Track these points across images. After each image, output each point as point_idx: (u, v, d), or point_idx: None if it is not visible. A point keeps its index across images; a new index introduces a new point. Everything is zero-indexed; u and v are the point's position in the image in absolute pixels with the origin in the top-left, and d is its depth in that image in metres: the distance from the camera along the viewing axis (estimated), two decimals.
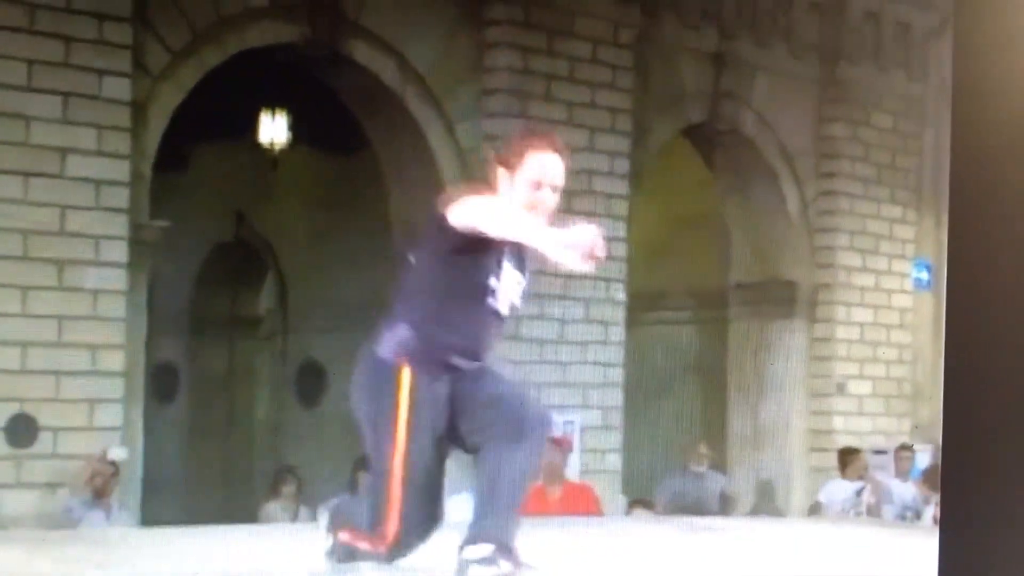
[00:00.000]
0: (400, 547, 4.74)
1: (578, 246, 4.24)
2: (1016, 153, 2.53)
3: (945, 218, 16.02)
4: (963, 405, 2.64)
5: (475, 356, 4.72)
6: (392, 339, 4.68)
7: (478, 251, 4.59)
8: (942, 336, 11.74)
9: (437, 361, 4.66)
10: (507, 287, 4.70)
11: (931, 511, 11.46)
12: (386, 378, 4.64)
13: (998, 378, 2.64)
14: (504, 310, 4.73)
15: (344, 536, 4.89)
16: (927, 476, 12.52)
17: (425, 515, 4.73)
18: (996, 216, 2.62)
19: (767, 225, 16.50)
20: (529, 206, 4.53)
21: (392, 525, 4.67)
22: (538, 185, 4.56)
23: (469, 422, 4.67)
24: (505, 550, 4.50)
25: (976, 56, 2.58)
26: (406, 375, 4.62)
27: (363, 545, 4.82)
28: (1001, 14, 2.57)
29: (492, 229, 4.44)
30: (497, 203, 4.58)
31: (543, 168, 4.59)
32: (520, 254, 4.70)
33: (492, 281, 4.67)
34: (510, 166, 4.60)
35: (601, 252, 4.26)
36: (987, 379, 2.64)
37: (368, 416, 4.76)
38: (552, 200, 4.59)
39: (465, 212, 4.51)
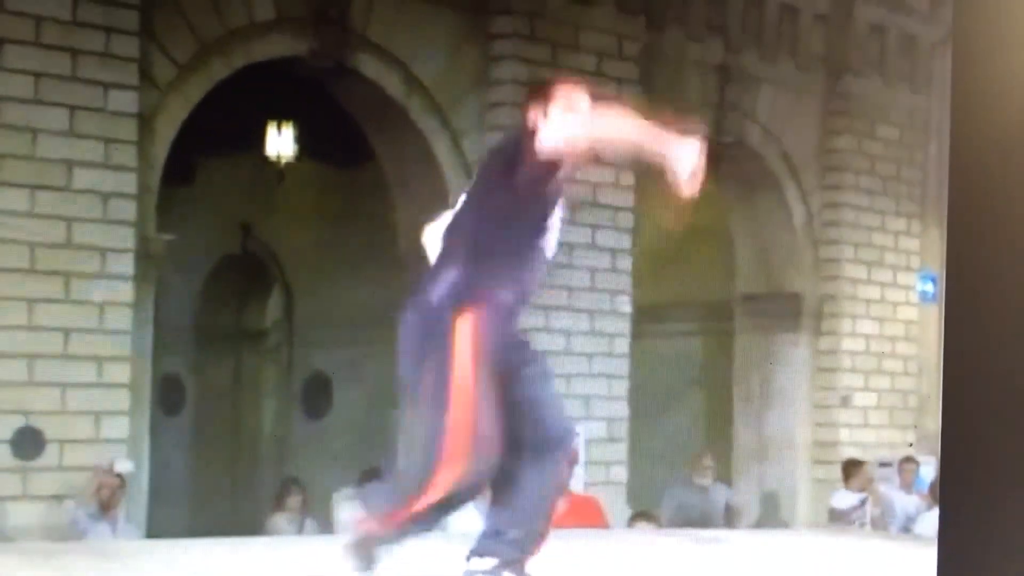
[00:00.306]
0: (455, 496, 4.48)
1: (689, 159, 4.31)
2: (1015, 161, 2.52)
3: None
4: (961, 412, 2.63)
5: (526, 299, 4.61)
6: (445, 283, 4.54)
7: (546, 186, 4.52)
8: None
9: (494, 303, 4.51)
10: (555, 230, 4.65)
11: (926, 522, 11.45)
12: (441, 325, 4.46)
13: (996, 387, 2.62)
14: (550, 253, 4.65)
15: (369, 524, 4.60)
16: (932, 489, 12.50)
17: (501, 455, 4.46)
18: (995, 225, 2.61)
19: (772, 237, 16.50)
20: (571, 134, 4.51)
21: (445, 476, 4.40)
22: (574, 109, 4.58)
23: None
24: (511, 566, 4.43)
25: (975, 64, 2.62)
26: (464, 320, 4.45)
27: (396, 521, 4.53)
28: (999, 23, 2.60)
29: (615, 133, 4.56)
30: (602, 118, 4.57)
31: (574, 96, 4.64)
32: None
33: (550, 221, 4.61)
34: (543, 102, 4.60)
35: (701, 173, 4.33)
36: (985, 389, 2.63)
37: (421, 370, 4.56)
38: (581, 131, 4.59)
39: (570, 129, 4.48)
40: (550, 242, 4.63)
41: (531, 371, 4.64)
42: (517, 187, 4.50)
